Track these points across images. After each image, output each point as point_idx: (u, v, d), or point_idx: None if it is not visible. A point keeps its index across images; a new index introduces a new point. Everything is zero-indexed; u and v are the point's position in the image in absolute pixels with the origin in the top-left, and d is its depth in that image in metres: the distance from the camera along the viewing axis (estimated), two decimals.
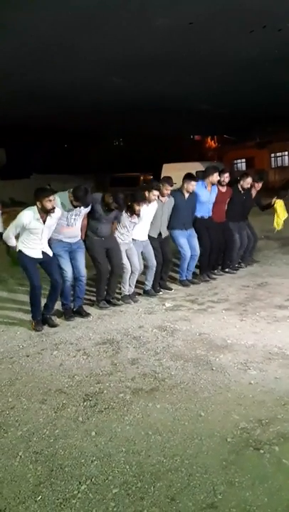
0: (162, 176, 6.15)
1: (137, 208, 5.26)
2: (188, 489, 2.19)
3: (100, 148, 30.30)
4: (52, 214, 4.42)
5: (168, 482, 2.25)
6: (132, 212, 5.28)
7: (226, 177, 6.50)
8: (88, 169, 26.61)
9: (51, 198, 4.32)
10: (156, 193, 5.52)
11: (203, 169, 18.01)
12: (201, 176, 6.68)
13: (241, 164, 29.04)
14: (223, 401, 3.02)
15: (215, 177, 6.32)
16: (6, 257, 5.96)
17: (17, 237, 4.58)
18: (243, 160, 28.90)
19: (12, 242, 4.57)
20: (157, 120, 19.43)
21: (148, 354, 3.88)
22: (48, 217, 4.43)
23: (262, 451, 2.44)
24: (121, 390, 3.24)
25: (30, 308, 4.77)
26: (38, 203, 4.33)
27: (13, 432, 2.76)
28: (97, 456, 2.48)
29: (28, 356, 3.99)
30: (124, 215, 5.32)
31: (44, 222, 4.42)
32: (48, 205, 4.31)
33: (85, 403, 3.07)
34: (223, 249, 6.84)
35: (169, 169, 19.47)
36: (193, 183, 5.99)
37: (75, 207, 4.71)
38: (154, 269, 5.78)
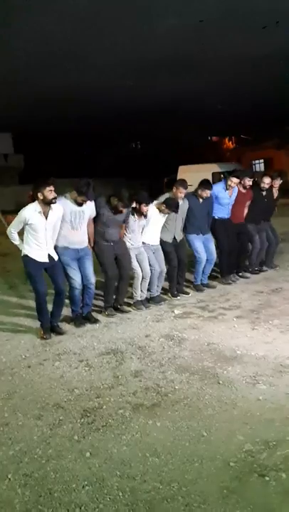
0: (177, 179, 5.93)
1: (144, 208, 5.11)
2: None
3: (116, 151, 30.28)
4: (53, 208, 4.35)
5: None
6: (140, 213, 5.14)
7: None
8: (106, 173, 26.55)
9: (52, 188, 4.24)
10: (168, 210, 5.36)
11: (220, 170, 17.88)
12: (218, 179, 6.53)
13: (260, 165, 28.56)
14: (228, 419, 2.82)
15: (247, 181, 6.32)
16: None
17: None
18: (262, 161, 28.42)
19: (15, 237, 4.46)
20: (173, 122, 19.24)
21: (152, 366, 3.71)
22: (50, 212, 4.34)
23: (267, 478, 2.24)
24: (121, 406, 3.07)
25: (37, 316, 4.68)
26: (39, 195, 4.25)
27: (5, 452, 2.63)
28: (90, 481, 2.32)
29: (29, 367, 3.86)
30: (131, 218, 5.18)
31: (46, 217, 4.33)
32: (50, 195, 4.24)
33: (83, 420, 2.92)
34: (237, 251, 6.65)
35: (185, 171, 19.29)
36: (207, 191, 5.81)
37: (80, 205, 4.59)
38: (164, 274, 5.62)
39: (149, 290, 5.55)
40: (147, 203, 5.13)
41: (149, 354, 3.96)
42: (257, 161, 28.87)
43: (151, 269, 5.42)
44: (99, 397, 3.22)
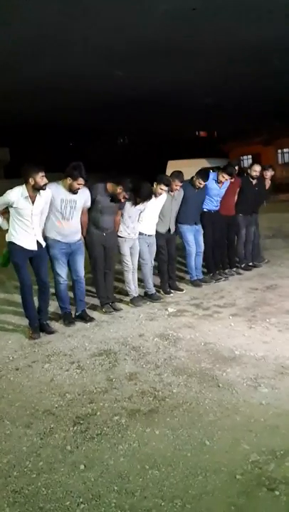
0: (172, 171, 5.75)
1: (163, 188, 5.07)
2: None
3: (104, 145, 29.87)
4: (42, 193, 4.15)
5: None
6: (135, 203, 4.95)
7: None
8: (98, 167, 26.11)
9: (43, 174, 4.05)
10: (164, 187, 5.17)
11: (209, 166, 17.73)
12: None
13: (248, 160, 28.52)
14: (230, 426, 2.66)
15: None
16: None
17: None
18: (250, 156, 28.38)
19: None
20: (162, 116, 19.01)
21: (148, 368, 3.53)
22: (38, 196, 4.14)
23: (277, 493, 2.08)
24: (116, 412, 2.89)
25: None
26: (30, 180, 4.03)
27: None
28: (85, 498, 2.13)
29: (17, 369, 3.65)
30: (128, 204, 4.97)
31: (33, 202, 4.12)
32: (42, 182, 4.05)
33: (75, 428, 2.73)
34: (227, 245, 6.52)
35: (174, 166, 19.07)
36: (201, 181, 5.67)
37: (76, 192, 4.37)
38: (152, 269, 5.47)
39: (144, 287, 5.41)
40: (145, 201, 4.94)
41: (144, 355, 3.78)
42: (245, 157, 28.84)
43: (143, 264, 5.29)
44: (92, 402, 3.03)
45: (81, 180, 4.32)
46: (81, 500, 2.11)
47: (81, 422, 2.79)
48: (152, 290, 5.43)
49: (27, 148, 25.46)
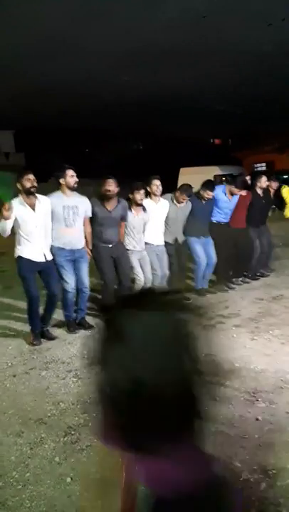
0: (181, 184, 5.71)
1: (138, 196, 4.89)
2: None
3: (117, 151, 30.05)
4: (41, 200, 4.20)
5: None
6: (135, 202, 4.91)
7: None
8: (111, 173, 26.24)
9: (30, 176, 4.09)
10: (141, 191, 5.00)
11: (222, 173, 17.63)
12: (219, 181, 6.37)
13: (261, 168, 28.32)
14: (223, 442, 2.58)
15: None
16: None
17: None
18: (263, 164, 28.17)
19: (6, 227, 4.11)
20: (175, 123, 19.03)
21: None
22: (37, 204, 4.17)
23: None
24: None
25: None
26: (18, 185, 4.11)
27: None
28: None
29: (14, 376, 3.64)
30: (130, 214, 4.93)
31: (34, 209, 4.15)
32: (27, 184, 4.08)
33: (66, 438, 2.69)
34: (239, 256, 6.42)
35: (186, 173, 19.03)
36: (209, 192, 5.60)
37: (74, 188, 4.42)
38: (166, 279, 5.36)
39: None
40: (139, 190, 4.88)
41: None
42: (258, 165, 28.64)
43: (153, 274, 5.18)
44: (85, 412, 2.98)
45: (72, 172, 4.37)
46: None
47: (72, 432, 2.76)
48: None
49: (42, 154, 25.78)
